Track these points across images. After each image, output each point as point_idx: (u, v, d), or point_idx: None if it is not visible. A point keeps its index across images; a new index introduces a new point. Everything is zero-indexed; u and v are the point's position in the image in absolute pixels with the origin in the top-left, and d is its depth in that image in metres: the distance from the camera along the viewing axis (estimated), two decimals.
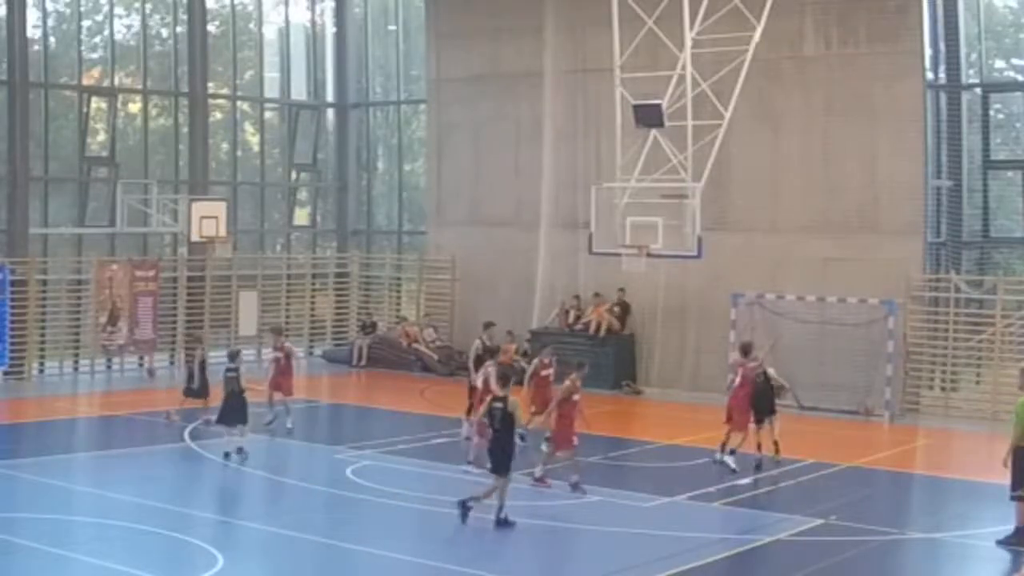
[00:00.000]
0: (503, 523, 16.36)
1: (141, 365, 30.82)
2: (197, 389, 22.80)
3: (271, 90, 35.19)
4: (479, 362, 21.54)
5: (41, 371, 29.57)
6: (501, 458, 16.53)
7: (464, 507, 16.46)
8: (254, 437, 21.92)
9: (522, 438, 21.56)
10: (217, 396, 21.36)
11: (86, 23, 31.39)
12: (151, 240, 32.07)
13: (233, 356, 21.06)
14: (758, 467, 20.08)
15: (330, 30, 36.40)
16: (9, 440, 22.27)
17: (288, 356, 23.15)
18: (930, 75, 27.20)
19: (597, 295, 29.70)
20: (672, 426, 23.79)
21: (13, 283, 28.26)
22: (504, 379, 17.09)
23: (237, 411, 20.35)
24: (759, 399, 20.42)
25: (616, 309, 29.23)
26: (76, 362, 30.29)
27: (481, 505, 16.41)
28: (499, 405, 16.69)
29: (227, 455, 20.06)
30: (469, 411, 21.22)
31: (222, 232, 28.95)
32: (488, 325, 24.09)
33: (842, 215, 27.11)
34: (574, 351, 28.37)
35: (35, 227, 29.76)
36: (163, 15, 32.91)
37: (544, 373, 21.66)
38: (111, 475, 19.39)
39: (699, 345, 28.54)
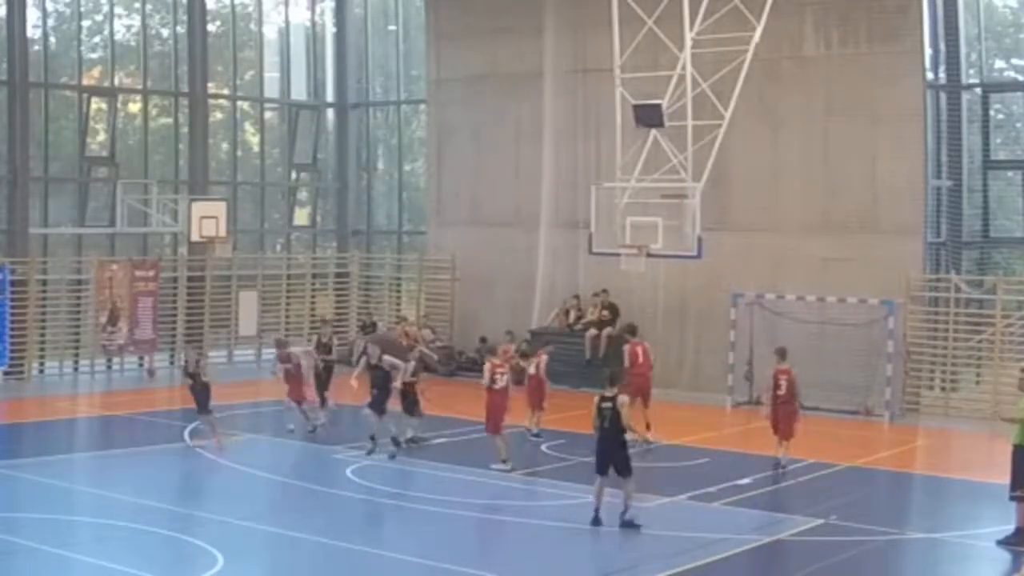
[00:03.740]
0: (628, 524, 16.20)
1: (141, 365, 30.80)
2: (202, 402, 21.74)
3: (271, 90, 35.17)
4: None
5: (41, 371, 29.57)
6: (623, 458, 16.36)
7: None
8: (254, 437, 21.95)
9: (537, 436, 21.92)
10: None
11: (86, 23, 31.40)
12: (151, 240, 32.06)
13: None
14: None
15: (330, 30, 36.39)
16: (9, 440, 22.30)
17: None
18: (930, 75, 27.21)
19: (597, 295, 29.66)
20: (672, 426, 23.74)
21: (13, 283, 28.26)
22: (614, 379, 16.82)
23: (382, 402, 21.41)
24: None
25: (605, 313, 29.09)
26: (76, 362, 30.29)
27: (482, 505, 16.37)
28: (608, 404, 16.42)
29: (397, 443, 21.07)
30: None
31: (222, 232, 28.96)
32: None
33: (842, 215, 27.10)
34: (574, 351, 28.52)
35: (35, 227, 29.76)
36: (163, 15, 32.91)
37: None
38: (111, 475, 19.40)
39: (699, 345, 28.52)
